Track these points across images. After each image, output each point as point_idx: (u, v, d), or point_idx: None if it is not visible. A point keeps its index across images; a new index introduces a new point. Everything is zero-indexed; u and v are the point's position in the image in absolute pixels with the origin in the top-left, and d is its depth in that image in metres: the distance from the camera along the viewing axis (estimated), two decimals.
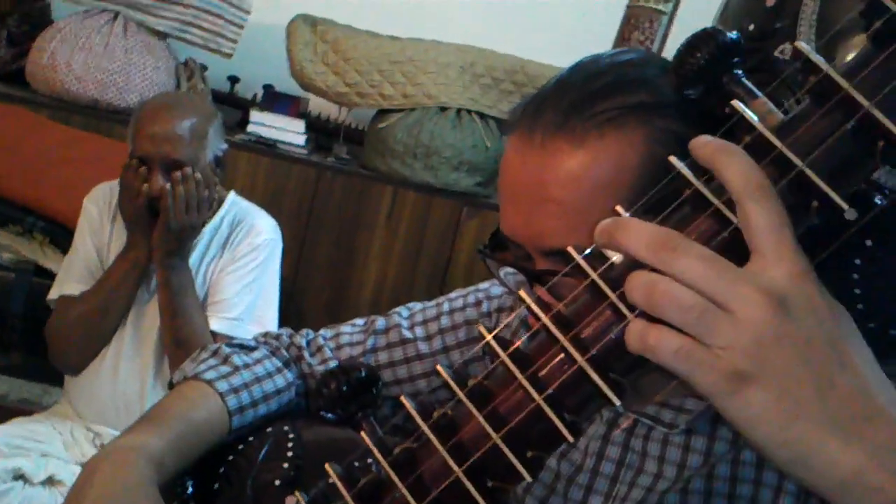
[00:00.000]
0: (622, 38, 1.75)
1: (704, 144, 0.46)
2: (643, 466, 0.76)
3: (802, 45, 0.46)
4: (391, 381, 0.96)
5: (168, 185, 1.66)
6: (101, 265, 1.82)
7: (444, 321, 0.96)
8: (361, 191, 2.61)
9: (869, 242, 0.58)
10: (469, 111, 2.63)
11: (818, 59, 0.45)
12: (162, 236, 1.69)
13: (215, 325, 1.76)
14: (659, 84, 0.67)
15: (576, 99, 0.67)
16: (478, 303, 0.96)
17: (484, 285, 0.98)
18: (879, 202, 0.50)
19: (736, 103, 0.48)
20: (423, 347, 0.96)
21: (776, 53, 0.60)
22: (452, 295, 0.99)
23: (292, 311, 2.44)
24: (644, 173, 0.65)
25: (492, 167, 2.66)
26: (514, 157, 0.70)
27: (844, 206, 0.44)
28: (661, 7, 1.70)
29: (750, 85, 0.51)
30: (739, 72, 0.52)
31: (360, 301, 2.64)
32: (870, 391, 0.44)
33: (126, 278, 1.76)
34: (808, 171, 0.45)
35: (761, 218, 0.43)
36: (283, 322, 1.91)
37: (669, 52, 0.80)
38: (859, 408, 0.43)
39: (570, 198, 0.66)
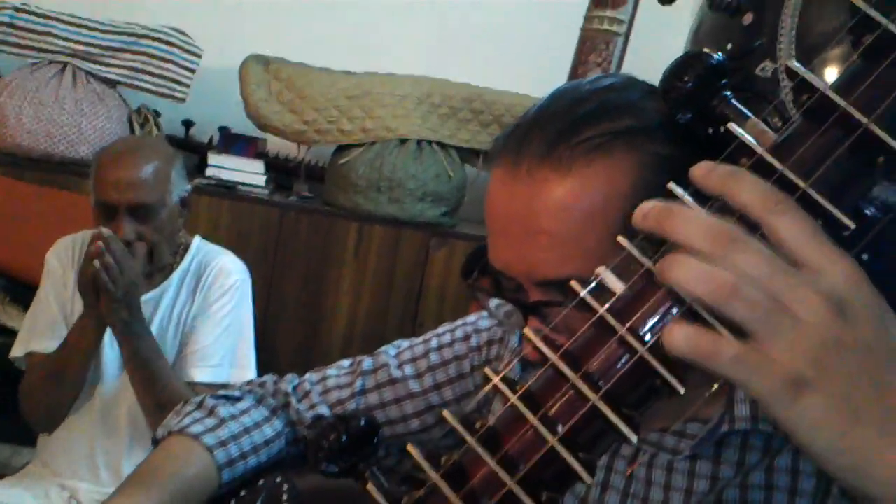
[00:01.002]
0: (579, 61, 1.76)
1: (710, 171, 0.44)
2: (649, 495, 0.75)
3: (796, 65, 0.45)
4: (383, 423, 0.94)
5: (102, 260, 1.56)
6: (64, 321, 1.77)
7: (434, 358, 0.95)
8: (327, 228, 2.59)
9: (865, 256, 0.58)
10: (429, 142, 2.62)
11: (813, 78, 0.45)
12: (110, 307, 1.61)
13: (198, 375, 1.73)
14: (644, 108, 0.67)
15: (560, 127, 0.66)
16: (466, 337, 0.95)
17: (471, 318, 0.97)
18: (870, 214, 0.50)
19: (732, 126, 0.47)
20: (413, 386, 0.94)
21: (757, 71, 0.60)
22: (440, 330, 0.98)
23: (265, 354, 2.39)
24: (635, 199, 0.64)
25: (456, 196, 2.66)
26: (500, 190, 0.69)
27: (850, 223, 0.44)
28: (615, 28, 1.72)
29: (740, 106, 0.51)
30: (728, 93, 0.51)
31: (333, 339, 2.61)
32: None
33: (78, 344, 1.70)
34: (812, 192, 0.44)
35: (795, 228, 0.42)
36: (256, 365, 1.88)
37: (629, 73, 0.80)
38: None
39: (561, 228, 0.65)
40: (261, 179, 2.69)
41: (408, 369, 0.95)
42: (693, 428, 0.74)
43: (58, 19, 2.58)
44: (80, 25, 2.59)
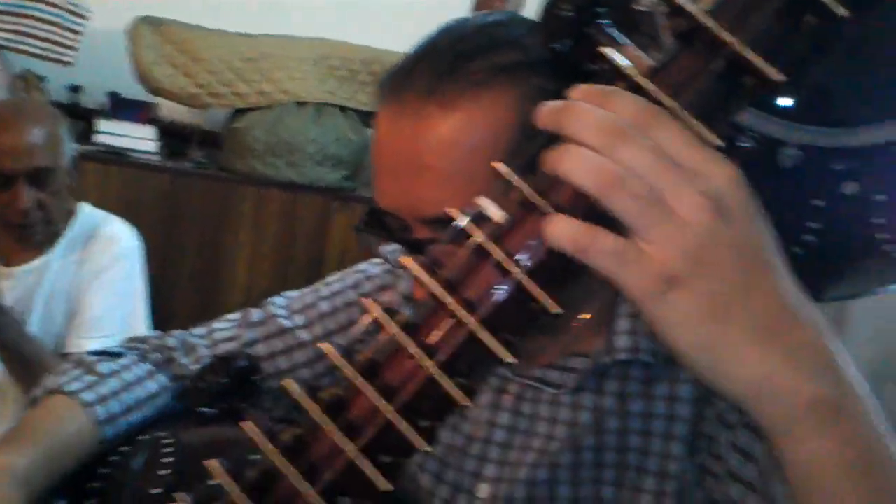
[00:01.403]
0: None
1: (587, 92, 0.44)
2: (535, 429, 0.76)
3: None
4: (273, 374, 0.93)
5: None
6: None
7: (324, 306, 0.94)
8: (223, 194, 2.53)
9: None
10: (329, 105, 2.59)
11: (684, 2, 0.45)
12: None
13: (88, 345, 1.66)
14: (529, 43, 0.67)
15: (445, 63, 0.66)
16: (357, 284, 0.94)
17: (362, 266, 0.96)
18: (743, 144, 0.51)
19: (606, 50, 0.47)
20: (303, 335, 0.93)
21: (635, 7, 0.60)
22: (330, 279, 0.97)
23: (161, 325, 2.33)
24: (520, 134, 0.65)
25: (357, 160, 2.63)
26: (387, 127, 0.69)
27: (718, 140, 0.45)
28: None
29: (617, 34, 0.51)
30: (606, 21, 0.52)
31: (232, 308, 2.50)
32: (787, 298, 0.44)
33: None
34: (682, 113, 0.45)
35: (674, 137, 0.42)
36: None
37: None
38: (778, 313, 0.43)
39: (446, 164, 0.65)
40: (153, 145, 2.62)
41: (297, 319, 0.94)
42: (576, 362, 0.76)
43: None
44: None
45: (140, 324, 1.82)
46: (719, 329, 0.42)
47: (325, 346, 0.51)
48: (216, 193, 2.53)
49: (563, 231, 0.42)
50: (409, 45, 0.77)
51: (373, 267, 0.94)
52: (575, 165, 0.42)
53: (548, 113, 0.44)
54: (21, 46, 2.52)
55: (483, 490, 0.78)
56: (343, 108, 2.61)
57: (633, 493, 0.74)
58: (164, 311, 2.47)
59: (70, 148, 1.71)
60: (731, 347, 0.42)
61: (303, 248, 2.58)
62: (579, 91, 0.45)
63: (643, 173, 0.41)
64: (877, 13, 0.54)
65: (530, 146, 0.51)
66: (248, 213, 2.54)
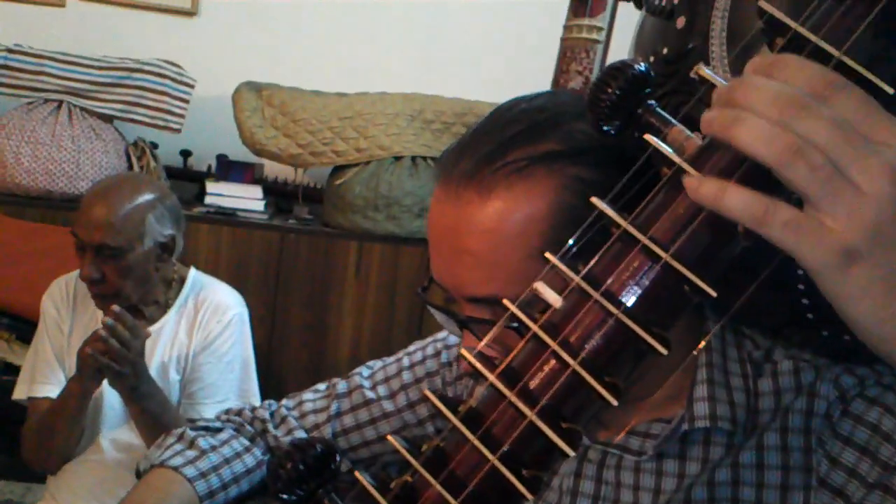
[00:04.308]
0: (561, 70, 1.77)
1: (759, 64, 0.43)
2: (619, 497, 0.75)
3: (704, 69, 0.46)
4: (359, 444, 0.95)
5: (104, 345, 1.54)
6: (61, 365, 1.78)
7: (406, 376, 0.95)
8: (327, 249, 2.60)
9: None
10: (424, 157, 2.63)
11: (716, 79, 0.45)
12: (117, 381, 1.59)
13: (206, 411, 1.73)
14: (571, 129, 0.67)
15: (488, 149, 0.67)
16: (437, 353, 0.95)
17: (441, 334, 0.97)
18: None
19: (649, 137, 0.47)
20: (388, 406, 0.95)
21: (692, 74, 0.60)
22: (411, 348, 0.99)
23: (272, 380, 2.41)
24: (554, 223, 0.65)
25: None
26: (435, 206, 0.71)
27: (890, 90, 0.43)
28: (595, 36, 1.72)
29: (664, 114, 0.51)
30: (653, 102, 0.51)
31: (339, 359, 2.61)
32: None
33: (64, 409, 1.69)
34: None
35: (857, 102, 0.41)
36: (263, 391, 1.89)
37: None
38: None
39: (483, 249, 0.66)
40: (259, 204, 2.71)
41: (381, 389, 0.96)
42: (657, 428, 0.74)
43: (51, 58, 2.61)
44: (72, 63, 2.62)
45: (251, 387, 1.87)
46: None
47: (389, 438, 0.52)
48: (321, 248, 2.60)
49: (738, 201, 0.41)
50: (500, 95, 0.79)
51: (452, 336, 0.95)
52: (750, 134, 0.41)
53: (721, 92, 0.43)
54: (131, 116, 2.66)
55: None
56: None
57: None
58: (276, 366, 2.55)
59: (160, 233, 1.73)
60: None
61: (405, 299, 2.62)
62: (752, 64, 0.44)
63: (822, 144, 0.40)
64: None
65: (565, 235, 0.51)
66: (352, 266, 2.60)
